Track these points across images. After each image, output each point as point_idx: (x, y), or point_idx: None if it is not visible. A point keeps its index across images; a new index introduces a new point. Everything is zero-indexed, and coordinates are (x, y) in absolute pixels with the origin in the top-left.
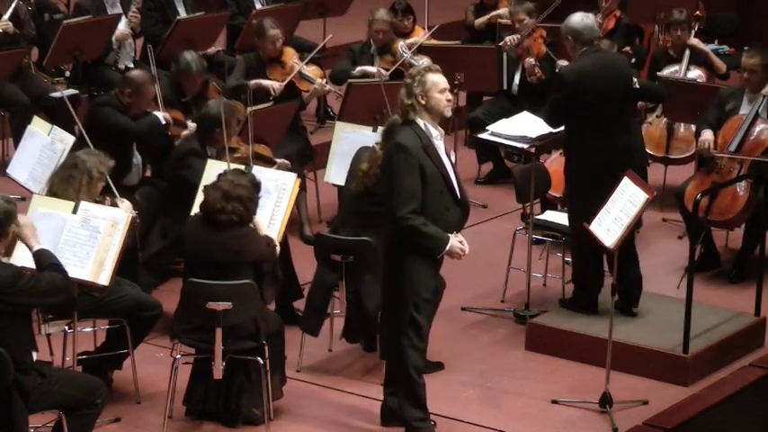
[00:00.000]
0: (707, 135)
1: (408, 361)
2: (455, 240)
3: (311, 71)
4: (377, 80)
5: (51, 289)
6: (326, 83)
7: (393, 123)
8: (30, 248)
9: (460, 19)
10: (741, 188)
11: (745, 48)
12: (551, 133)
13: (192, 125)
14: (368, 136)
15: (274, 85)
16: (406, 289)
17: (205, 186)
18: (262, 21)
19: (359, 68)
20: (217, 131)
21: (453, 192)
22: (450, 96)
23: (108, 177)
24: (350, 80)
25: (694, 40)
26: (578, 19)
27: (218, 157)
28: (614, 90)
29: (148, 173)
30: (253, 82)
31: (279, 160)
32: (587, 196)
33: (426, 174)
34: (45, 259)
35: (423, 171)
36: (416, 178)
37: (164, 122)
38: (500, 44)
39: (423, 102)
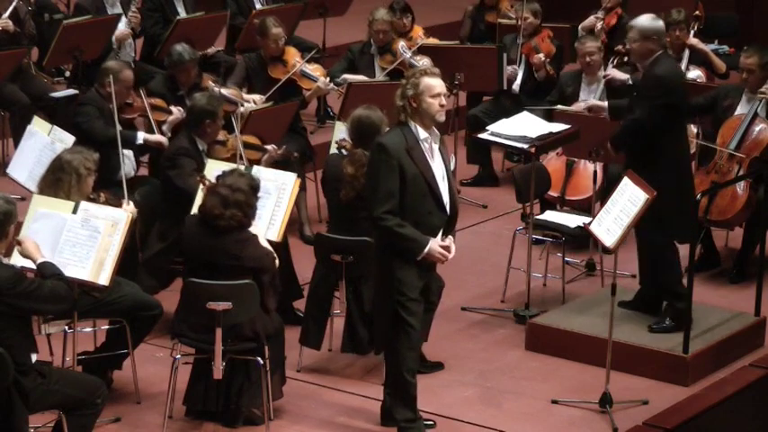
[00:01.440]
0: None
1: (401, 362)
2: (435, 244)
3: (313, 70)
4: (377, 80)
5: (53, 296)
6: (329, 81)
7: (357, 119)
8: (33, 261)
9: (460, 19)
10: (740, 187)
11: (744, 47)
12: (551, 133)
13: (175, 110)
14: None
15: (255, 98)
16: (390, 289)
17: (203, 178)
18: (264, 19)
19: (343, 77)
20: (206, 122)
21: (437, 196)
22: (443, 101)
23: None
24: (350, 80)
25: (694, 40)
26: (655, 20)
27: (210, 150)
28: (687, 93)
29: (145, 171)
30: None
31: (268, 147)
32: (683, 193)
33: (407, 176)
34: (48, 270)
35: (403, 173)
36: (394, 179)
37: (140, 142)
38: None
39: (414, 105)
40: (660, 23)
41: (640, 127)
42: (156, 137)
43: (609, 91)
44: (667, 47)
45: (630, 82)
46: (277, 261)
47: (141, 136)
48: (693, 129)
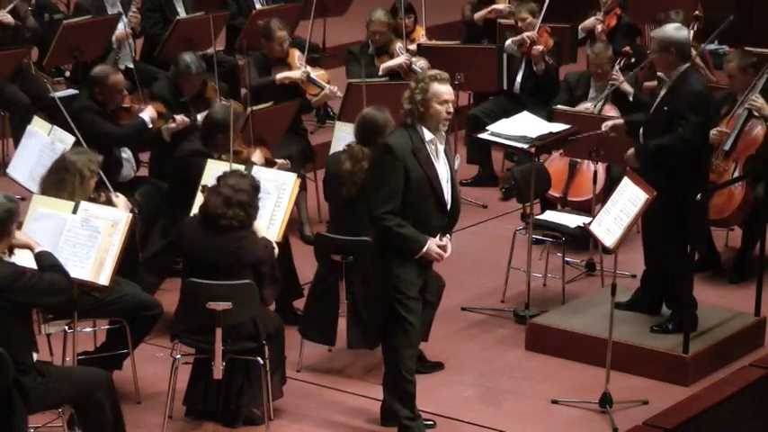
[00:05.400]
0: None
1: (400, 361)
2: (433, 244)
3: (319, 75)
4: (377, 80)
5: (52, 289)
6: (335, 87)
7: (362, 118)
8: (31, 251)
9: (460, 19)
10: (737, 186)
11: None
12: (551, 133)
13: (179, 118)
14: None
15: (298, 75)
16: (389, 287)
17: (205, 189)
18: (269, 22)
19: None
20: (219, 137)
21: (440, 198)
22: (450, 109)
23: (102, 174)
24: (350, 80)
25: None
26: (680, 30)
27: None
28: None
29: (145, 171)
30: (279, 76)
31: (279, 161)
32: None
33: (411, 177)
34: (46, 260)
35: (407, 174)
36: (398, 180)
37: (150, 125)
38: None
39: (421, 109)
40: (681, 34)
41: (686, 146)
42: (151, 111)
43: (613, 96)
44: (692, 58)
45: (631, 99)
46: (276, 250)
47: (147, 116)
48: None
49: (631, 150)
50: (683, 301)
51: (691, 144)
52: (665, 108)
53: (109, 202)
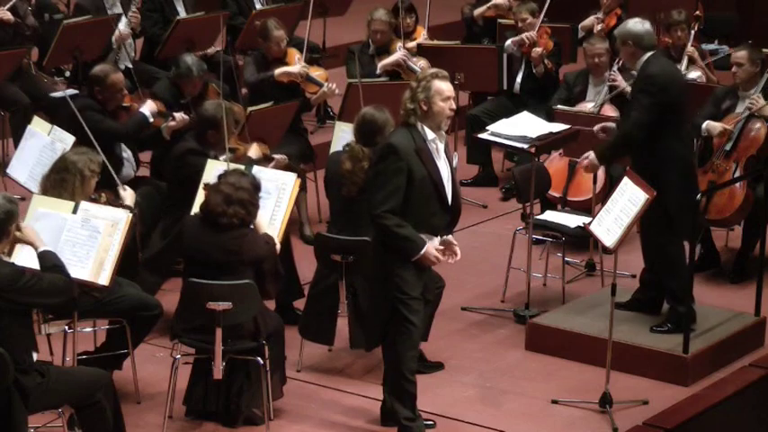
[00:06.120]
0: (713, 123)
1: (401, 361)
2: (431, 247)
3: (318, 75)
4: (378, 80)
5: (52, 289)
6: (333, 85)
7: (361, 117)
8: (35, 249)
9: (460, 19)
10: (738, 185)
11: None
12: (551, 133)
13: (179, 116)
14: None
15: (296, 69)
16: (391, 288)
17: (206, 186)
18: (266, 22)
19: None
20: (209, 133)
21: (442, 197)
22: (453, 105)
23: (111, 169)
24: (350, 80)
25: (692, 50)
26: (637, 24)
27: (218, 157)
28: (686, 91)
29: (145, 171)
30: (278, 71)
31: (277, 156)
32: (687, 191)
33: (415, 178)
34: (48, 260)
35: (411, 174)
36: (400, 180)
37: (151, 119)
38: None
39: (425, 108)
40: (638, 27)
41: (639, 129)
42: (152, 105)
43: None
44: (656, 48)
45: (629, 97)
46: (278, 246)
47: (148, 111)
48: None
49: (591, 156)
50: (681, 300)
51: (643, 125)
52: (629, 98)
53: (110, 202)
